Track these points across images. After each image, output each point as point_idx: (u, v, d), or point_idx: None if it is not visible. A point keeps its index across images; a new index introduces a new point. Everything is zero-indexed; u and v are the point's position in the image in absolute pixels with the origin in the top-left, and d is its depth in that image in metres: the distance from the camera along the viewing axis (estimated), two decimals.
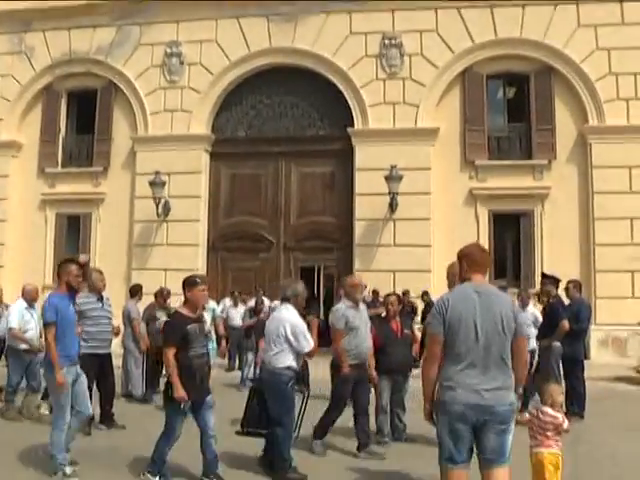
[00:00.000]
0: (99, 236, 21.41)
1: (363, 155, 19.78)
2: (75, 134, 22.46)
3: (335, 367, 8.75)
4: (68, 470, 7.41)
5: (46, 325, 7.58)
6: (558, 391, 6.84)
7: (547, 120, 19.44)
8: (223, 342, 12.09)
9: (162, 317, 13.35)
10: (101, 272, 10.22)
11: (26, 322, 10.83)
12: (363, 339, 8.74)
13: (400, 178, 18.87)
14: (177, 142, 20.76)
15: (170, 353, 7.08)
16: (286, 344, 7.66)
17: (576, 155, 19.30)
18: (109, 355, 10.06)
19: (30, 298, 11.06)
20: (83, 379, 7.81)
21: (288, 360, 7.67)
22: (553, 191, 19.27)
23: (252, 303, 16.15)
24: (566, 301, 11.61)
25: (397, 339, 9.46)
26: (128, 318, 12.57)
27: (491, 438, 5.31)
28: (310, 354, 7.88)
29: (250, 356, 13.01)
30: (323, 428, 8.76)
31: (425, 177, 19.45)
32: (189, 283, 7.37)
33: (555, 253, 18.73)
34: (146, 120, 21.24)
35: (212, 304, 11.90)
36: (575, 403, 11.06)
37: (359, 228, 19.73)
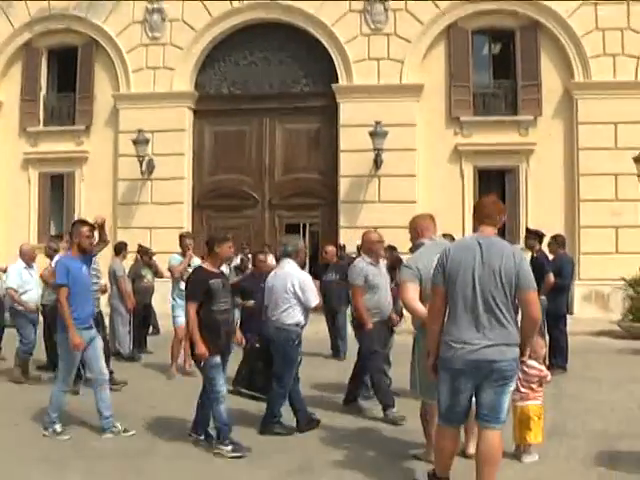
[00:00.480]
0: (83, 195, 21.28)
1: (348, 111, 19.69)
2: (56, 92, 22.17)
3: (357, 326, 8.50)
4: (58, 427, 7.51)
5: (57, 287, 7.53)
6: (541, 344, 6.99)
7: (533, 76, 19.38)
8: None
9: (147, 275, 13.40)
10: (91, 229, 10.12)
11: (25, 282, 10.77)
12: (384, 296, 8.50)
13: (385, 134, 18.83)
14: (160, 99, 20.57)
15: (192, 309, 6.99)
16: (294, 299, 7.64)
17: (562, 111, 19.29)
18: (98, 314, 9.91)
19: (28, 258, 10.96)
20: (97, 343, 7.75)
21: (297, 316, 7.68)
22: (538, 147, 19.29)
23: (237, 261, 16.18)
24: (550, 257, 11.71)
25: None
26: (114, 276, 12.57)
27: (489, 394, 5.24)
28: (316, 308, 7.92)
29: (236, 314, 13.05)
30: (383, 392, 8.36)
31: (410, 133, 19.42)
32: (220, 239, 7.34)
33: (540, 209, 18.82)
34: (128, 77, 21.02)
35: (197, 260, 11.87)
36: (558, 356, 11.22)
37: (344, 185, 19.72)
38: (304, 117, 20.39)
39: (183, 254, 11.34)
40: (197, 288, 7.07)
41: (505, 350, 5.17)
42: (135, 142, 19.99)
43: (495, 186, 19.48)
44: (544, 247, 11.74)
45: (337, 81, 19.97)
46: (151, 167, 20.38)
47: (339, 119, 19.84)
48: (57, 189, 21.64)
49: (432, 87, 19.64)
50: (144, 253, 13.70)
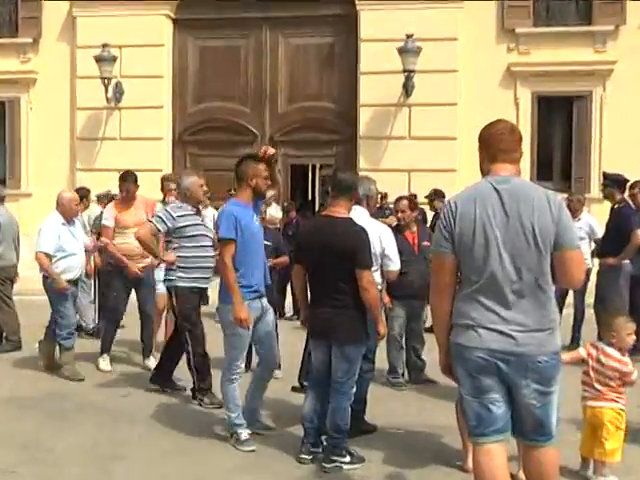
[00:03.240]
0: (31, 128, 21.28)
1: (370, 22, 19.51)
2: None
3: None
4: (243, 434, 7.31)
5: (222, 242, 7.26)
6: (627, 328, 6.42)
7: None
8: None
9: None
10: (200, 175, 9.50)
11: (65, 243, 9.92)
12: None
13: (418, 51, 18.68)
14: (130, 5, 20.33)
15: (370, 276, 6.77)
16: (379, 260, 7.59)
17: None
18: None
19: (69, 210, 10.07)
20: (269, 318, 7.61)
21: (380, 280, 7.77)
22: (619, 67, 19.08)
23: None
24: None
25: (413, 254, 9.54)
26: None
27: (527, 405, 4.80)
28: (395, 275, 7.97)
29: None
30: None
31: (450, 50, 19.24)
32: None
33: (618, 147, 18.63)
34: None
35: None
36: None
37: (365, 116, 19.65)
38: (315, 29, 20.29)
39: (164, 202, 11.34)
40: (369, 249, 6.92)
41: (544, 339, 4.76)
42: (98, 60, 19.86)
43: (560, 117, 19.38)
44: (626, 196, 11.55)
45: None
46: (119, 92, 20.31)
47: (359, 32, 19.71)
48: None
49: None
50: (109, 200, 13.73)
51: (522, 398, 4.79)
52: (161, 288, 11.05)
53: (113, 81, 20.23)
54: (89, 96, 20.50)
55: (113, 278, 10.70)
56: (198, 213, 9.16)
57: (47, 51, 21.31)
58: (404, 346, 9.74)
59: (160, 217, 8.89)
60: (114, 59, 20.04)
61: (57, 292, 9.95)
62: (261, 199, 7.71)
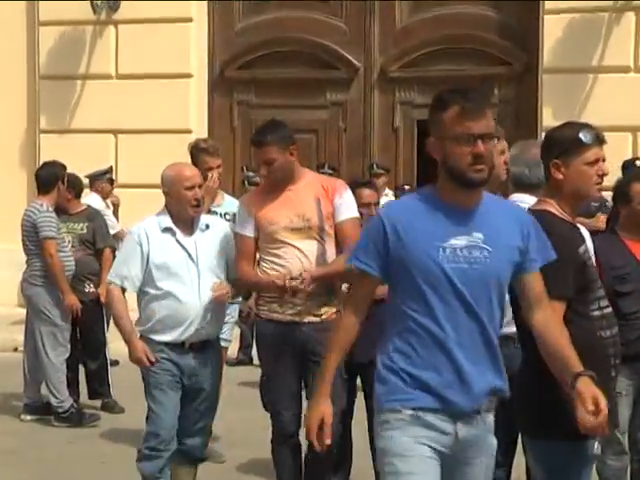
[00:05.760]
0: None
1: None
2: None
3: None
4: None
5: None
6: None
7: None
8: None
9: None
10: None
11: (161, 272, 9.04)
12: None
13: None
14: None
15: (561, 310, 6.36)
16: None
17: None
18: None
19: (177, 202, 9.15)
20: None
21: None
22: None
23: None
24: None
25: None
26: (35, 239, 12.88)
27: None
28: None
29: None
30: None
31: None
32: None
33: None
34: None
35: (230, 202, 11.49)
36: None
37: (552, 33, 19.59)
38: None
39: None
40: (568, 268, 6.50)
41: None
42: None
43: None
44: None
45: None
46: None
47: None
48: None
49: None
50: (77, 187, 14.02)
51: None
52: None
53: None
54: (62, 4, 20.80)
55: (264, 332, 9.27)
56: None
57: None
58: (628, 449, 9.35)
59: None
60: None
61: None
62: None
